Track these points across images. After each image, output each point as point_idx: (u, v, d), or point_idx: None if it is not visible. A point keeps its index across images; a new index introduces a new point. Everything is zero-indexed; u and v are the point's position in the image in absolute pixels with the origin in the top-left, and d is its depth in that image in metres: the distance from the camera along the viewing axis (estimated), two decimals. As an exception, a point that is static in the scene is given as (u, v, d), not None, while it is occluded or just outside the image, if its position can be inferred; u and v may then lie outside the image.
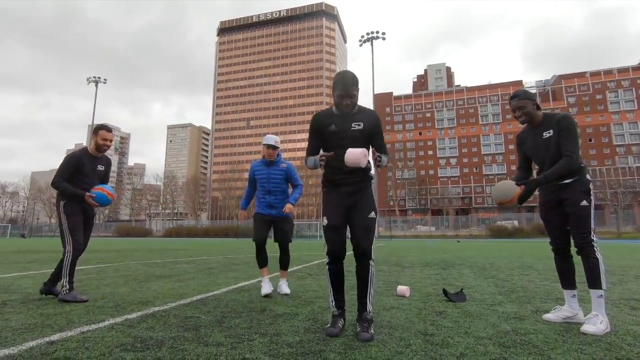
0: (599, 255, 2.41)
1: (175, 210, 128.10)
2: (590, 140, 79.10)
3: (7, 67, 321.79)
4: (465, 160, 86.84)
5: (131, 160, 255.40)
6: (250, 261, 7.81)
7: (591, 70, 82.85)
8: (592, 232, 2.42)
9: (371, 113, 2.37)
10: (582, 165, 2.49)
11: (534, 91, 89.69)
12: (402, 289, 3.66)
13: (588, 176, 2.51)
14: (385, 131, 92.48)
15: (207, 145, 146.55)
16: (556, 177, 2.48)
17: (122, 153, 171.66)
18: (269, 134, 4.62)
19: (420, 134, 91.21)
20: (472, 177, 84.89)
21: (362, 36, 56.56)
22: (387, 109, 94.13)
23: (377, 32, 56.46)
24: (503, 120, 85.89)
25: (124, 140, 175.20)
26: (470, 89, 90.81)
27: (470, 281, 4.75)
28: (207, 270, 6.18)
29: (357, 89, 2.28)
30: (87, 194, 3.20)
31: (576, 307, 2.56)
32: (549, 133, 2.54)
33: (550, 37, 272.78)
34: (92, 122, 63.04)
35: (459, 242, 27.13)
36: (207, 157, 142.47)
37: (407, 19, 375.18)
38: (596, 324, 2.27)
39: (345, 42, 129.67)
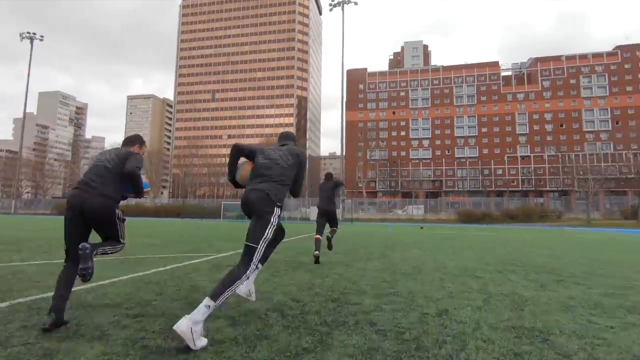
0: None
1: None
2: (561, 126, 78.44)
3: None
4: (437, 142, 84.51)
5: (89, 133, 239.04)
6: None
7: (567, 54, 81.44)
8: None
9: None
10: None
11: (509, 73, 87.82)
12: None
13: None
14: (358, 109, 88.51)
15: (171, 119, 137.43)
16: None
17: (78, 124, 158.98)
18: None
19: (394, 113, 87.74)
20: (443, 159, 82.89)
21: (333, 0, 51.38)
22: (361, 86, 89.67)
23: (350, -4, 51.44)
24: (478, 102, 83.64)
25: (80, 110, 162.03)
26: (447, 68, 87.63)
27: None
28: None
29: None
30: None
31: None
32: None
33: (524, 35, 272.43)
34: (27, 84, 54.89)
35: (422, 228, 23.72)
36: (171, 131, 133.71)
37: (388, 2, 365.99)
38: None
39: (321, 13, 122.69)
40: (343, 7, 52.64)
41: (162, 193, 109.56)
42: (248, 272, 2.37)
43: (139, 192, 2.83)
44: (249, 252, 2.43)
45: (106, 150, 2.92)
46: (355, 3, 51.59)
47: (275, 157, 2.75)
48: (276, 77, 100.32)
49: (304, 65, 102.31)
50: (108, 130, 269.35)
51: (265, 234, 2.48)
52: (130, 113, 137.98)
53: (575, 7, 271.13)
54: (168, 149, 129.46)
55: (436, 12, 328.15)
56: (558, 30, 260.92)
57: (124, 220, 2.81)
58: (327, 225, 6.50)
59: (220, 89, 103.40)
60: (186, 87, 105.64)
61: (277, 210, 2.58)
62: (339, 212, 7.55)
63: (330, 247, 6.41)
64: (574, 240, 13.43)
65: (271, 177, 2.66)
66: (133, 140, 3.05)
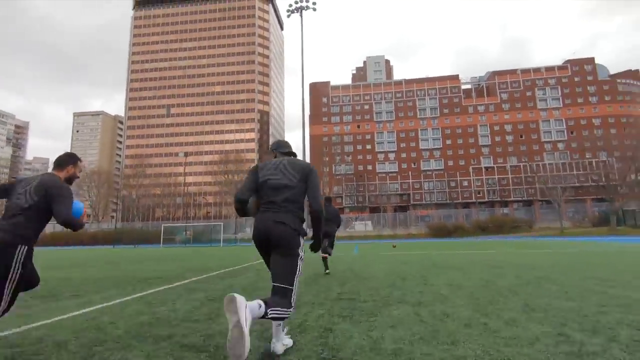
0: None
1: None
2: (521, 137, 79.72)
3: None
4: (403, 155, 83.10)
5: (35, 154, 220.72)
6: None
7: (522, 67, 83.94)
8: None
9: None
10: None
11: (469, 86, 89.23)
12: None
13: None
14: (322, 123, 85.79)
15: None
16: None
17: (17, 145, 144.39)
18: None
19: (359, 127, 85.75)
20: (410, 172, 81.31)
21: (290, 5, 48.63)
22: (324, 99, 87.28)
23: (307, 1, 49.06)
24: (440, 114, 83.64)
25: (20, 129, 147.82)
26: (409, 82, 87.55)
27: None
28: None
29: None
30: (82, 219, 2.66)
31: None
32: None
33: (474, 60, 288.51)
34: None
35: (394, 246, 19.98)
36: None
37: (350, 20, 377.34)
38: None
39: (282, 29, 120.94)
40: (301, 12, 49.98)
41: (112, 217, 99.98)
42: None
43: (75, 230, 2.55)
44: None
45: (26, 180, 2.51)
46: (314, 9, 49.07)
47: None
48: (236, 91, 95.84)
49: (265, 79, 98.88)
50: (56, 151, 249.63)
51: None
52: (77, 131, 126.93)
53: (518, 33, 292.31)
54: (119, 169, 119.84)
55: (395, 35, 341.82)
56: (505, 54, 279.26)
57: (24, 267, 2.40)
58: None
59: (175, 104, 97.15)
60: (138, 102, 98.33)
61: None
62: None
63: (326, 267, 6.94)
64: (594, 257, 10.00)
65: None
66: (65, 161, 2.66)
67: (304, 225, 2.47)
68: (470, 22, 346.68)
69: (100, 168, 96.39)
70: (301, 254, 2.39)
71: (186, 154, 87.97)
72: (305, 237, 2.47)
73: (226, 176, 70.07)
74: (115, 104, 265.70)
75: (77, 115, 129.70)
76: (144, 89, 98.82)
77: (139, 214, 78.57)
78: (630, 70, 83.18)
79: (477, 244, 21.96)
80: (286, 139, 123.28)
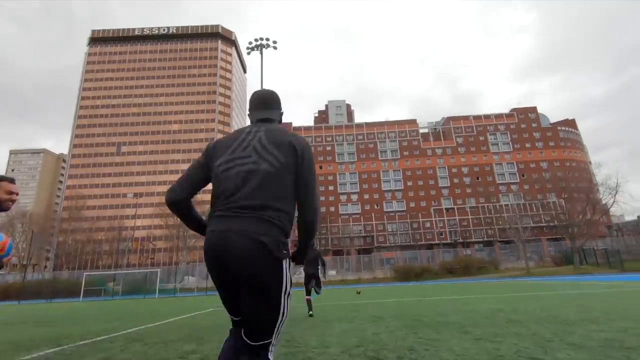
0: None
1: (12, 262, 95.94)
2: (477, 179, 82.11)
3: None
4: (366, 196, 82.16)
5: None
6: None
7: (473, 114, 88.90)
8: None
9: None
10: None
11: (426, 131, 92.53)
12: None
13: None
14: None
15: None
16: None
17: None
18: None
19: (321, 167, 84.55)
20: (373, 214, 79.93)
21: (250, 42, 48.02)
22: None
23: (268, 40, 48.68)
24: (401, 156, 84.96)
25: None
26: (370, 125, 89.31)
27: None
28: None
29: None
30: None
31: None
32: None
33: (429, 107, 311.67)
34: None
35: (359, 292, 17.02)
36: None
37: (311, 67, 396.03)
38: None
39: (245, 72, 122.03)
40: (261, 50, 49.33)
41: (45, 267, 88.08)
42: None
43: None
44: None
45: None
46: (275, 48, 48.69)
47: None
48: (195, 130, 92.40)
49: (227, 119, 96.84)
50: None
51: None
52: (12, 170, 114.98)
53: (466, 86, 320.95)
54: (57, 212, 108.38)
55: (354, 86, 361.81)
56: (457, 104, 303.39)
57: None
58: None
59: (127, 142, 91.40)
60: (85, 140, 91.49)
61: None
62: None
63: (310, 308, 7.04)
64: (614, 300, 7.70)
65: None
66: None
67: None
68: (422, 79, 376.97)
69: (39, 213, 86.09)
70: (287, 286, 1.43)
71: (136, 195, 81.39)
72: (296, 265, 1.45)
73: (176, 218, 64.30)
74: (66, 145, 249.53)
75: (13, 152, 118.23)
76: (93, 126, 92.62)
77: (69, 262, 69.31)
78: (568, 119, 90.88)
79: (451, 287, 19.53)
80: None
